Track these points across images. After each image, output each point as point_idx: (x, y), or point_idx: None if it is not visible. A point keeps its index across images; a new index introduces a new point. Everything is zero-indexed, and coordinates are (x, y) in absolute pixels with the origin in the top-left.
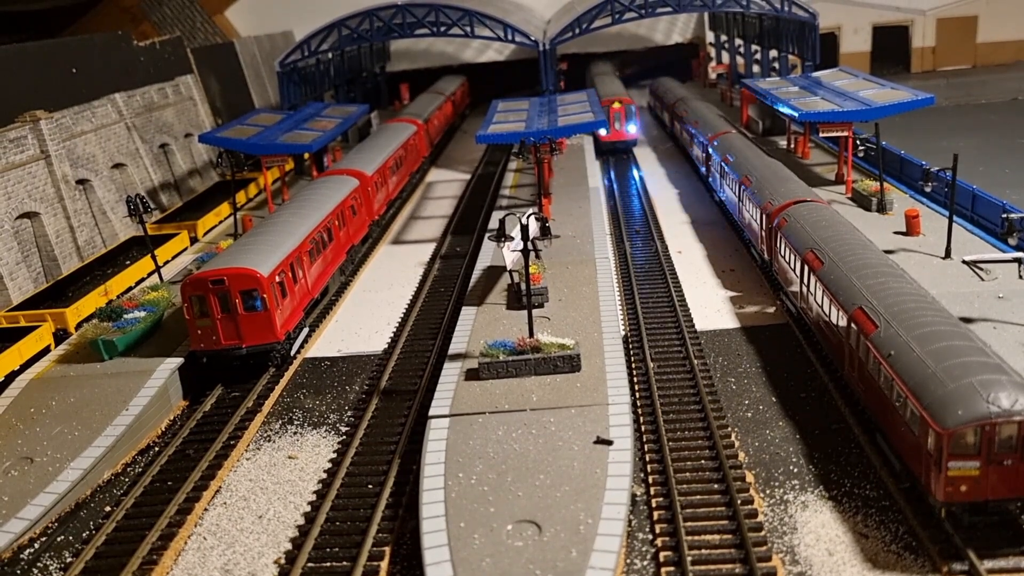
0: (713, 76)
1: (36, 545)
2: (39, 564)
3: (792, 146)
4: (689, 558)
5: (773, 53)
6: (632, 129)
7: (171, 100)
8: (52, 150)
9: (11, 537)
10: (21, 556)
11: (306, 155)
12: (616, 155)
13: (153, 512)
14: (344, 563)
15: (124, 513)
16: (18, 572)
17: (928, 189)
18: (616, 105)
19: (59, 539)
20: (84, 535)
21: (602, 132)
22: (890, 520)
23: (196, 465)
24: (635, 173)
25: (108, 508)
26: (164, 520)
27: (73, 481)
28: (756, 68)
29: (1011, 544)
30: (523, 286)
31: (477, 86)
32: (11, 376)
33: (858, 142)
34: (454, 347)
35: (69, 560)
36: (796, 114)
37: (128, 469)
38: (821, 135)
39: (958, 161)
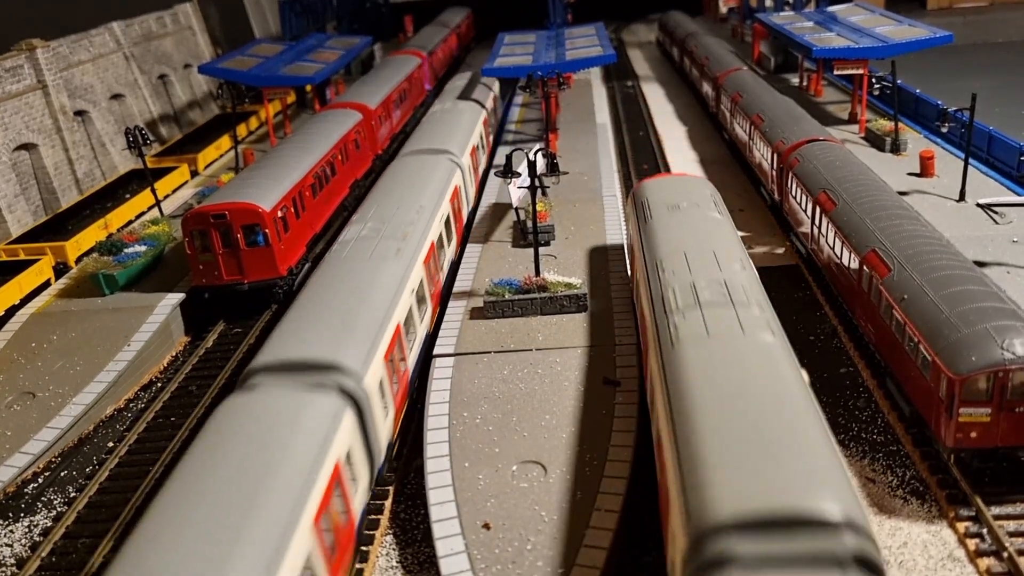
0: (724, 10)
1: (40, 480)
2: (43, 498)
3: (805, 84)
4: None
5: None
6: None
7: (170, 29)
8: (49, 80)
9: (15, 471)
10: (25, 490)
11: (308, 87)
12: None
13: (156, 448)
14: None
15: (127, 448)
16: (22, 506)
17: (944, 130)
18: None
19: (62, 474)
20: (87, 470)
21: None
22: (897, 465)
23: (199, 401)
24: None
25: (111, 444)
26: (167, 456)
27: (75, 416)
28: (769, 3)
29: (1019, 491)
30: (529, 223)
31: (482, 19)
32: (11, 310)
33: (873, 80)
34: (459, 285)
35: (73, 495)
36: (811, 50)
37: (131, 404)
38: (836, 73)
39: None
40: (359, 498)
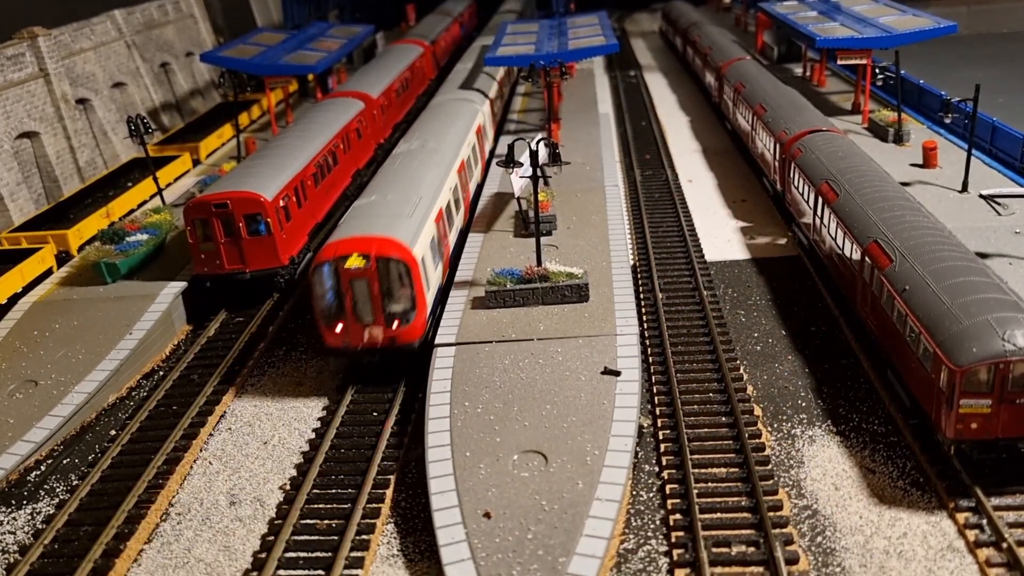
0: (727, 0)
1: (42, 468)
2: (45, 486)
3: (808, 74)
4: (695, 491)
5: None
6: None
7: (171, 17)
8: (51, 68)
9: (17, 459)
10: (27, 479)
11: (310, 76)
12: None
13: (158, 436)
14: (349, 490)
15: (129, 437)
16: (25, 494)
17: (948, 120)
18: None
19: (65, 462)
20: (90, 458)
21: None
22: (897, 456)
23: (201, 390)
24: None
25: (113, 432)
26: (169, 445)
27: (77, 404)
28: None
29: (1018, 481)
30: (531, 213)
31: (485, 8)
32: (14, 299)
33: (876, 70)
34: (460, 274)
35: (75, 483)
36: (814, 40)
37: (133, 393)
38: (839, 63)
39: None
40: None
